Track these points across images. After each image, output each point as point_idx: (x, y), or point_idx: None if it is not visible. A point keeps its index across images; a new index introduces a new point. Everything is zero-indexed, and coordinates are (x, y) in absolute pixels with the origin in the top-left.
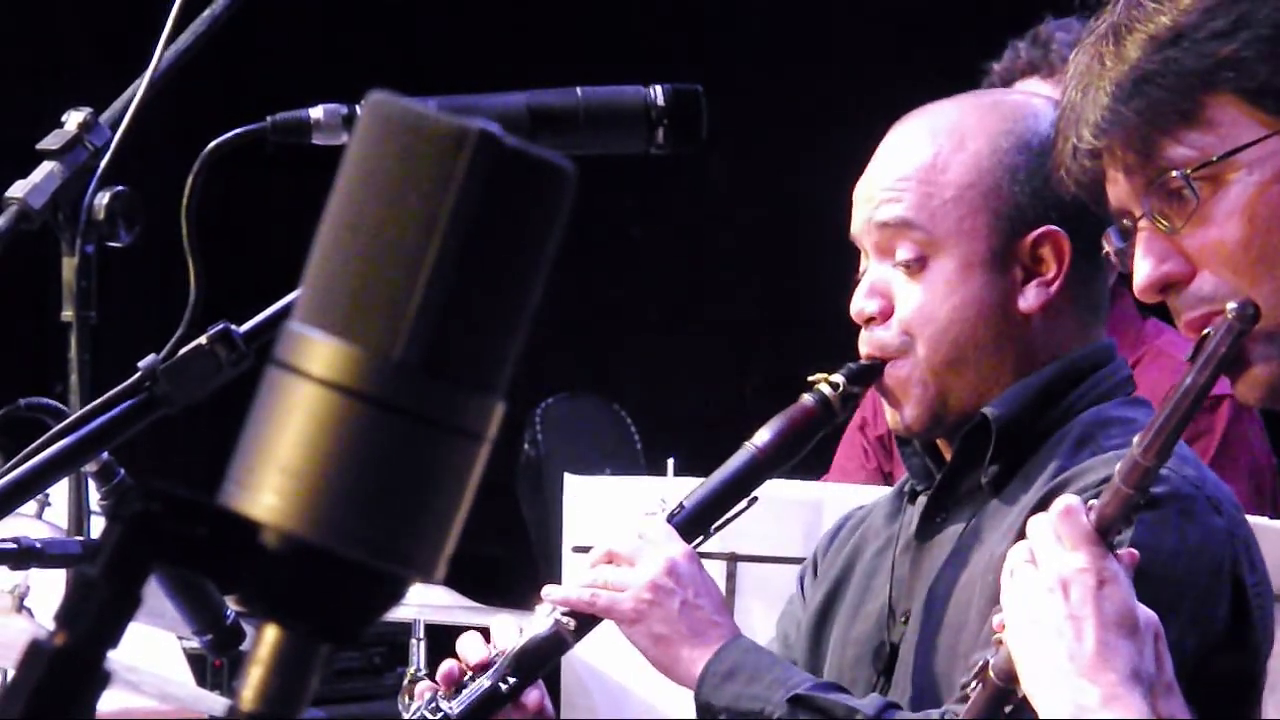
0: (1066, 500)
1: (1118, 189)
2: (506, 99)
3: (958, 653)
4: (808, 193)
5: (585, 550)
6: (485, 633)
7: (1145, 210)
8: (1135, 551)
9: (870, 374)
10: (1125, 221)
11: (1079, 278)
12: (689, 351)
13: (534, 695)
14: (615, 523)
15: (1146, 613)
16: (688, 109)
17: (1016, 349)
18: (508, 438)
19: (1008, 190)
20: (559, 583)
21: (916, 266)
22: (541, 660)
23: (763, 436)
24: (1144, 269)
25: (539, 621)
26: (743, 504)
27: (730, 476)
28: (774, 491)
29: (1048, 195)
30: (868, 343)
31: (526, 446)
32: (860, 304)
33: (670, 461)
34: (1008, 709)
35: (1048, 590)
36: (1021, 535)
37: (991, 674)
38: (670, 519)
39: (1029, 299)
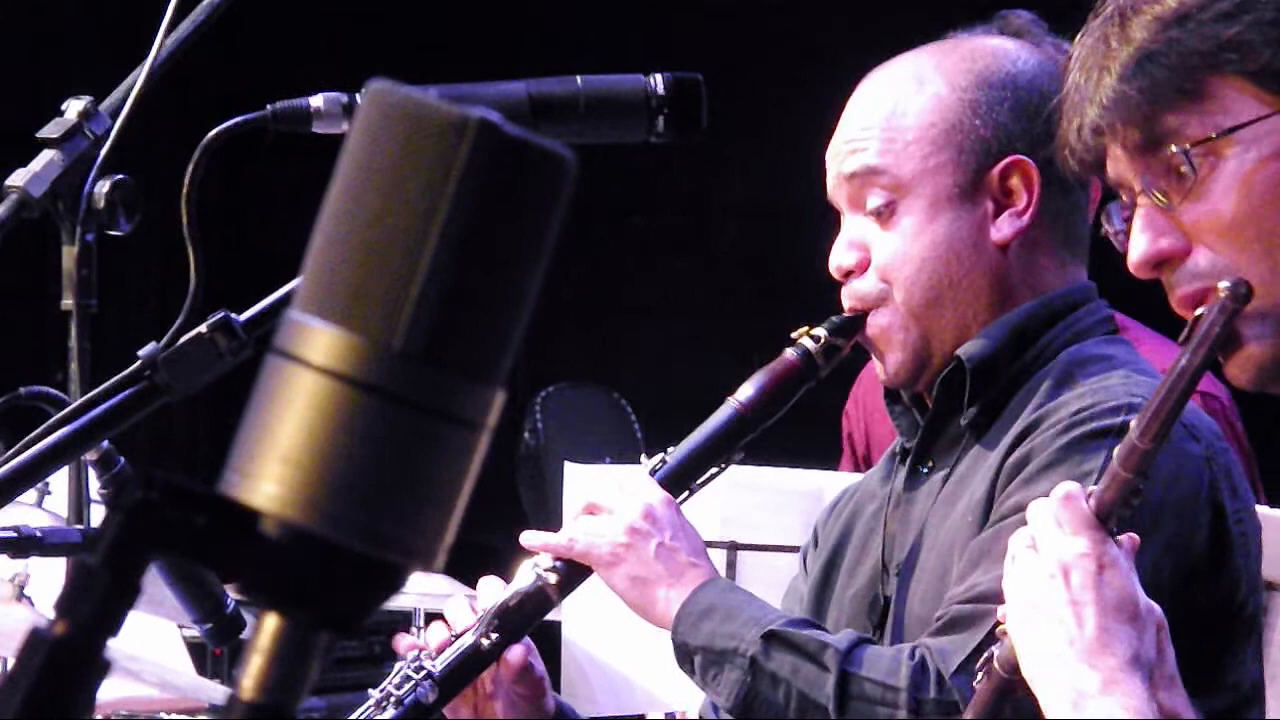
0: (1066, 487)
1: (1118, 166)
2: (507, 88)
3: (941, 598)
4: (810, 181)
5: None
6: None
7: (1144, 186)
8: (1136, 536)
9: (852, 326)
10: (1124, 198)
11: (1052, 209)
12: (689, 340)
13: (517, 652)
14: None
15: (1147, 600)
16: (688, 97)
17: (994, 284)
18: (508, 426)
19: (969, 124)
20: None
21: (888, 212)
22: (525, 617)
23: (745, 392)
24: (1140, 244)
25: (522, 578)
26: (726, 460)
27: (713, 433)
28: (774, 481)
29: (1013, 127)
30: (849, 295)
31: (526, 435)
32: (838, 258)
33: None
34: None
35: (1048, 576)
36: (999, 476)
37: (996, 665)
38: (652, 473)
39: (1002, 230)
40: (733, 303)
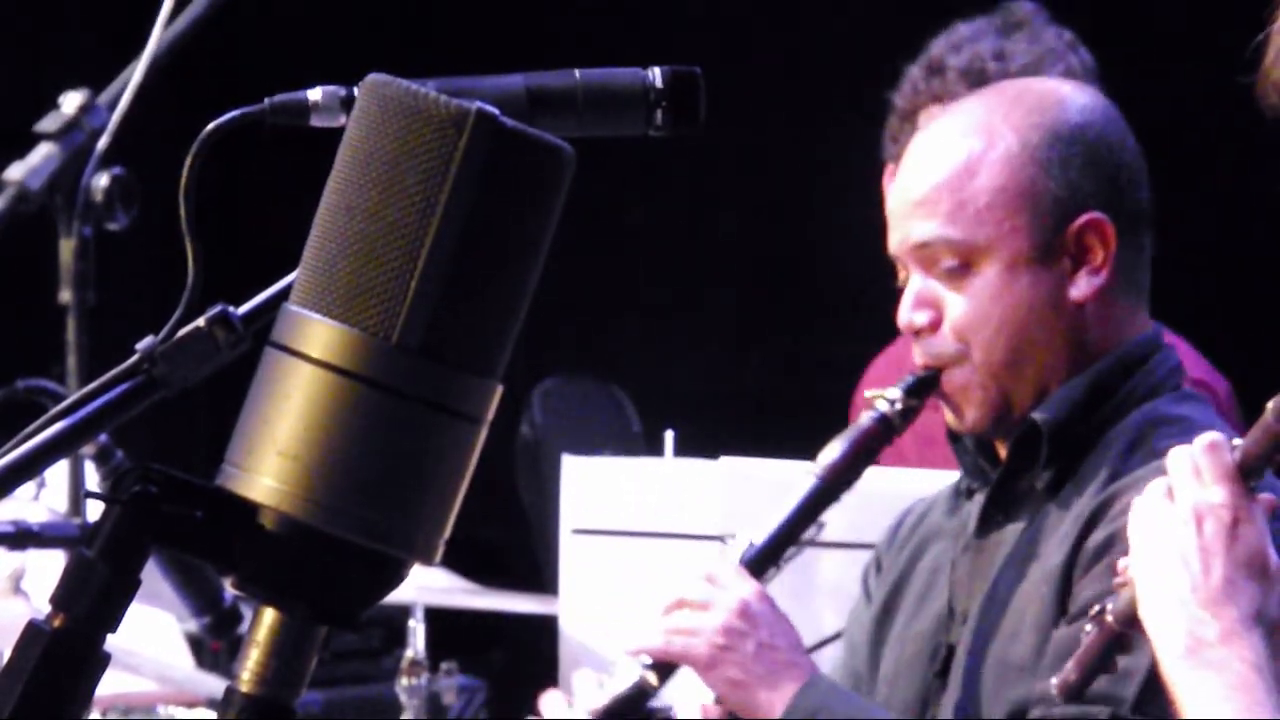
0: (1210, 436)
1: None
2: (504, 81)
3: (1009, 663)
4: (804, 173)
5: (584, 532)
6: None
7: None
8: (1275, 498)
9: (928, 385)
10: None
11: (1125, 261)
12: (687, 332)
13: None
14: (613, 504)
15: (1279, 562)
16: (686, 91)
17: (1073, 340)
18: (505, 419)
19: (1043, 185)
20: (557, 565)
21: (961, 273)
22: (626, 716)
23: (825, 460)
24: None
25: (622, 678)
26: (811, 531)
27: (798, 509)
28: (774, 474)
29: (1085, 184)
30: (923, 354)
31: (524, 428)
32: (908, 317)
33: (669, 435)
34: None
35: (1181, 522)
36: (1078, 545)
37: (1110, 618)
38: (741, 559)
39: (1080, 288)
40: (731, 296)
